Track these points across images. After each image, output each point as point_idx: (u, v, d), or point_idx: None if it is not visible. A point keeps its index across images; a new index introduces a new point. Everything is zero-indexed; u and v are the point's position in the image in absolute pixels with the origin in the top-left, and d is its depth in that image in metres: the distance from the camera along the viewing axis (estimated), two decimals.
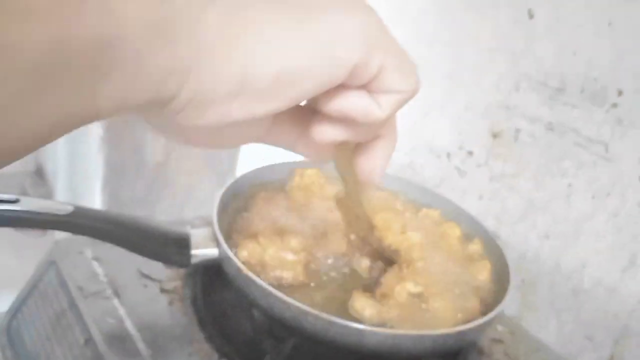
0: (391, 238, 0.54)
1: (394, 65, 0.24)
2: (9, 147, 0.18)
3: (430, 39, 0.75)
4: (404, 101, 0.26)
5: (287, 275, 0.49)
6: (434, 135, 0.75)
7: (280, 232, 0.53)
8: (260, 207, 0.58)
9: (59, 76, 0.18)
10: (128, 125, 1.59)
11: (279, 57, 0.22)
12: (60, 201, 0.46)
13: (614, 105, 0.57)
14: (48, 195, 1.64)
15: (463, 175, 0.71)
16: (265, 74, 0.22)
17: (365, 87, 0.25)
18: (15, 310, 0.56)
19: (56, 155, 1.88)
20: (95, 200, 1.34)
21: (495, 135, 0.67)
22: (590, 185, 0.59)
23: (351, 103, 0.25)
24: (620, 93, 0.56)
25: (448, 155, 0.73)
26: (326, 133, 0.27)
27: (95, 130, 1.71)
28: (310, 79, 0.23)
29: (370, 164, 0.30)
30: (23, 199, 0.44)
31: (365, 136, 0.28)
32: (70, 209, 0.45)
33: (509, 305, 0.57)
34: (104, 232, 0.46)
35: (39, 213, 0.44)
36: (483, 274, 0.53)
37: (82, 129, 0.21)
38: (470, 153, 0.70)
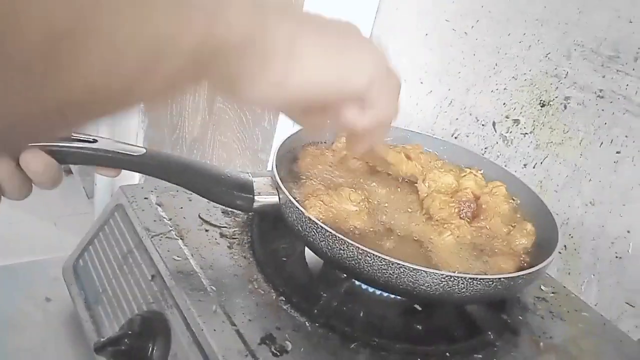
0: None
1: (385, 93, 0.36)
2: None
3: (477, 14, 0.76)
4: (382, 117, 0.37)
5: (357, 224, 0.51)
6: (480, 106, 0.76)
7: (336, 187, 0.55)
8: (309, 163, 0.60)
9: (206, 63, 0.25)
10: (166, 105, 1.63)
11: (311, 78, 0.32)
12: (134, 144, 0.48)
13: None
14: None
15: (508, 144, 0.72)
16: (296, 85, 0.31)
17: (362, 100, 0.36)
18: (82, 250, 0.59)
19: (98, 127, 1.93)
20: (134, 174, 1.38)
21: (543, 104, 0.68)
22: None
23: (345, 113, 0.37)
24: None
25: (494, 124, 0.74)
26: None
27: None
28: (328, 94, 0.34)
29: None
30: (100, 139, 0.47)
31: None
32: (142, 150, 0.48)
33: (550, 269, 0.59)
34: (173, 174, 0.49)
35: (114, 152, 0.47)
36: (527, 234, 0.54)
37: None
38: (517, 122, 0.71)
